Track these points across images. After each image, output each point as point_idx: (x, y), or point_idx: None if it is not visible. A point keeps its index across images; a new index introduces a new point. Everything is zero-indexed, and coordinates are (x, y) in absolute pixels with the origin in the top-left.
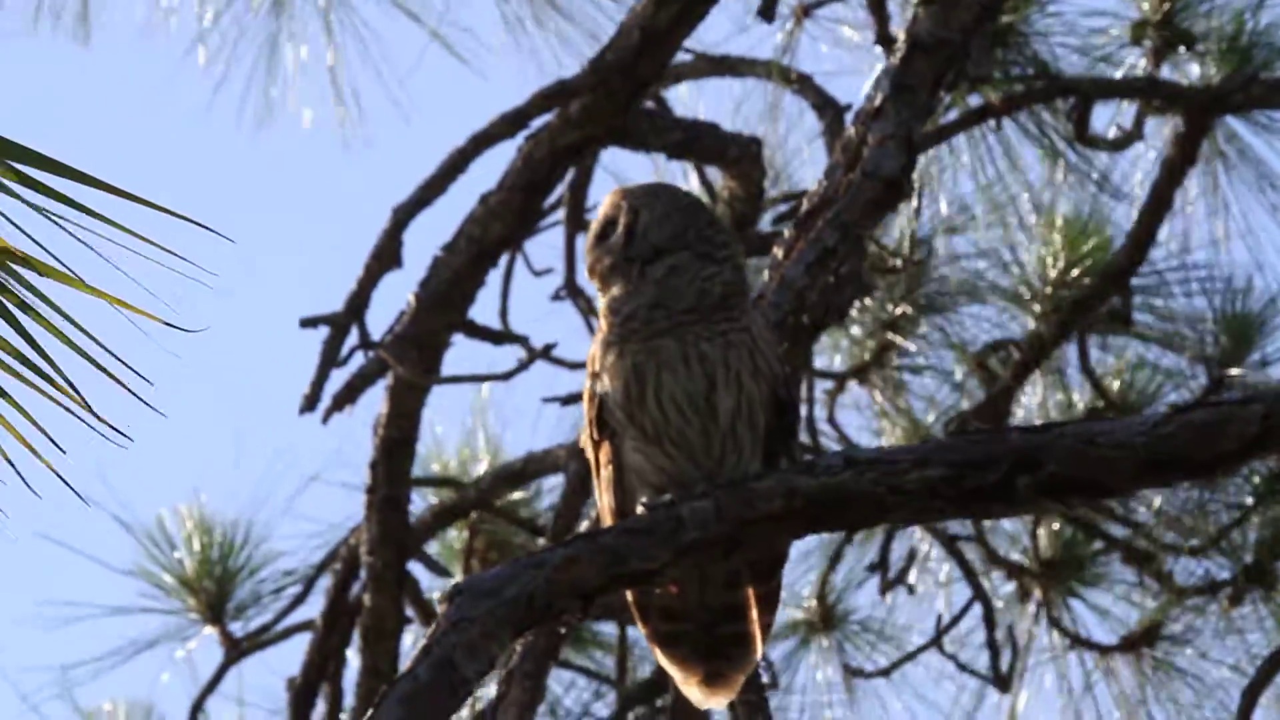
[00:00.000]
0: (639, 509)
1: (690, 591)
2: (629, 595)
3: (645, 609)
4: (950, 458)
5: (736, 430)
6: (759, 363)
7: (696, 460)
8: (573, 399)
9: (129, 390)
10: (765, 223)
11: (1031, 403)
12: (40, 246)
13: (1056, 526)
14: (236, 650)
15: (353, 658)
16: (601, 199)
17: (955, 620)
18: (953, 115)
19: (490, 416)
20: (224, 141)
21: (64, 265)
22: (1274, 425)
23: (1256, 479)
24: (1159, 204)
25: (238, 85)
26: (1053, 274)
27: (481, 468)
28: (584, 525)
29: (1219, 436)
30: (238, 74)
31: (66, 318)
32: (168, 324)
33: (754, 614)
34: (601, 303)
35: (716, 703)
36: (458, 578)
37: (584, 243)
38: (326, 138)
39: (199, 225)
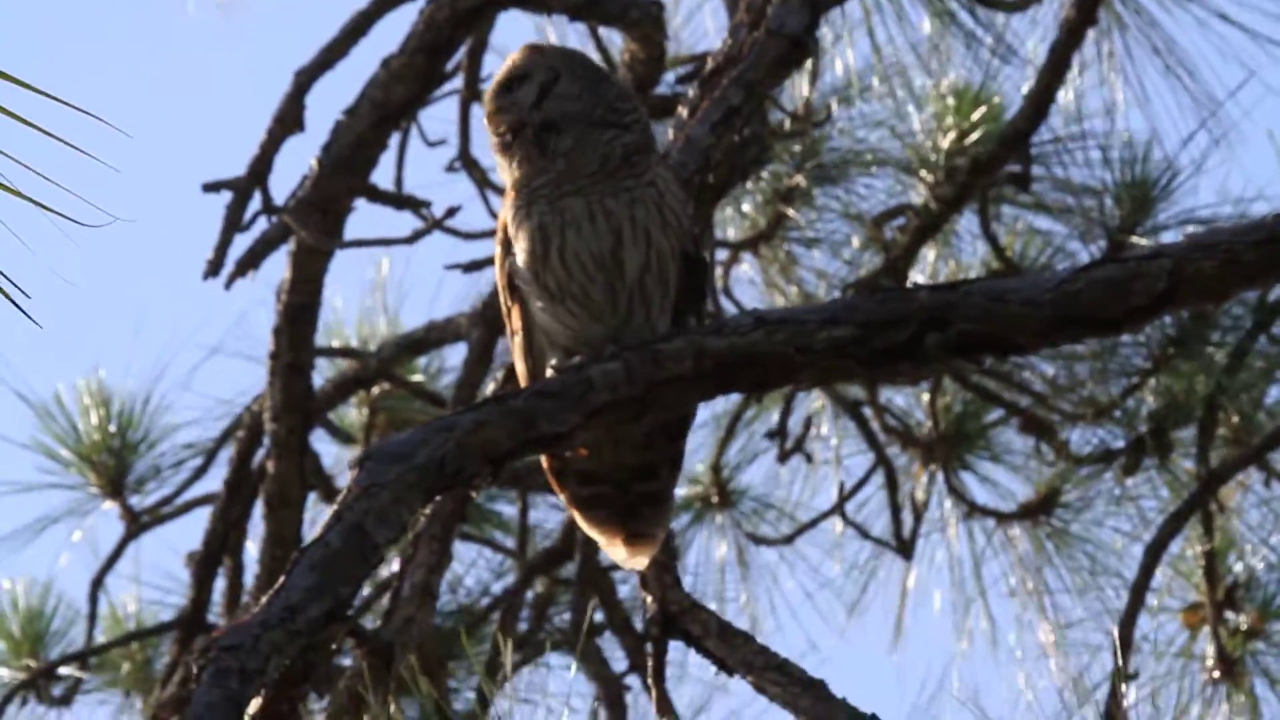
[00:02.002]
0: (548, 372)
1: (605, 453)
2: (545, 462)
3: (562, 474)
4: (859, 317)
5: (645, 286)
6: (667, 216)
7: (602, 319)
8: (475, 265)
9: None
10: (665, 85)
11: (927, 271)
12: None
13: (948, 400)
14: (136, 524)
15: (254, 530)
16: (496, 69)
17: (858, 486)
18: None
19: (389, 288)
20: (112, 6)
21: None
22: (1181, 281)
23: (1153, 346)
24: (1058, 66)
25: None
26: (945, 142)
27: (380, 337)
28: (490, 388)
29: (1127, 292)
30: None
31: None
32: (69, 218)
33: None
34: (506, 178)
35: (639, 563)
36: (360, 449)
37: (487, 94)
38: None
39: (96, 118)
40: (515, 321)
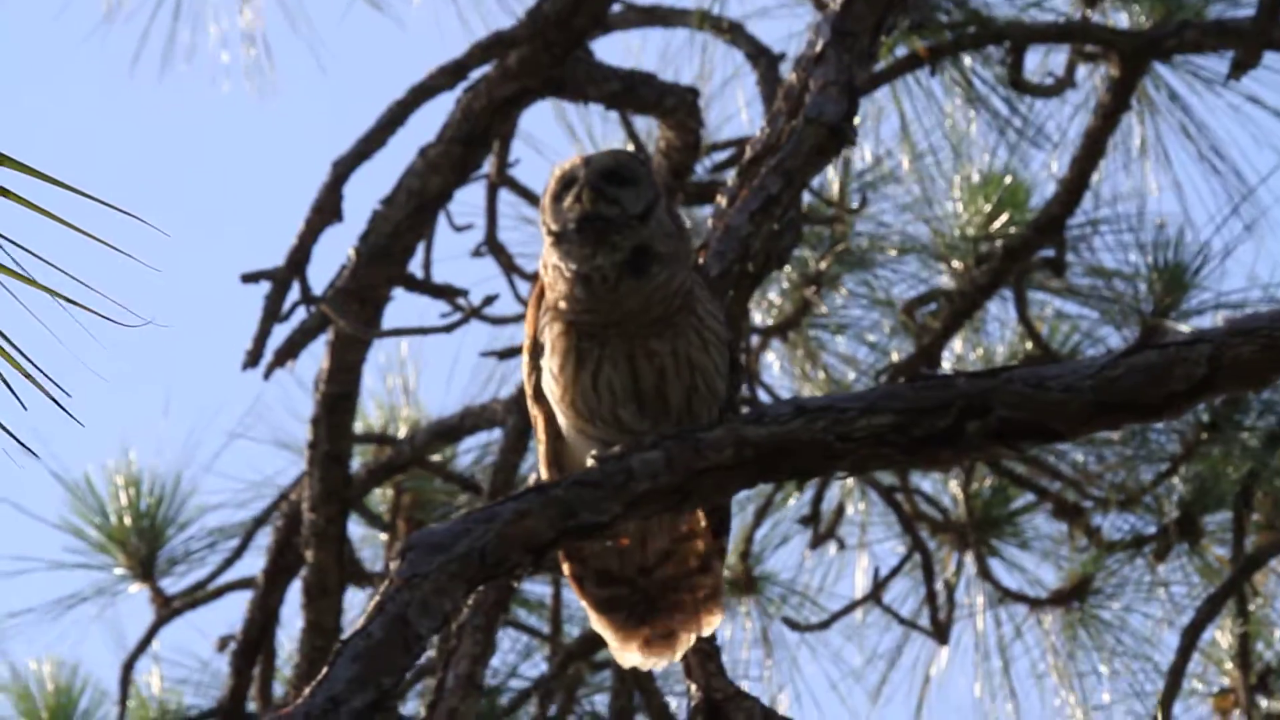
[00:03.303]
0: (589, 461)
1: (632, 550)
2: (566, 568)
3: (582, 577)
4: (899, 405)
5: (693, 406)
6: (707, 337)
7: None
8: (511, 352)
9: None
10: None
11: (954, 357)
12: None
13: (975, 486)
14: (168, 608)
15: (288, 614)
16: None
17: (894, 572)
18: (879, 66)
19: (410, 369)
20: (152, 93)
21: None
22: (1221, 366)
23: (1185, 431)
24: (1092, 151)
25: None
26: (971, 228)
27: (409, 425)
28: (532, 479)
29: (1167, 378)
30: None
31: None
32: (108, 318)
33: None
34: (553, 260)
35: (656, 664)
36: (387, 535)
37: (582, 168)
38: (240, 87)
39: (135, 218)
40: (540, 430)
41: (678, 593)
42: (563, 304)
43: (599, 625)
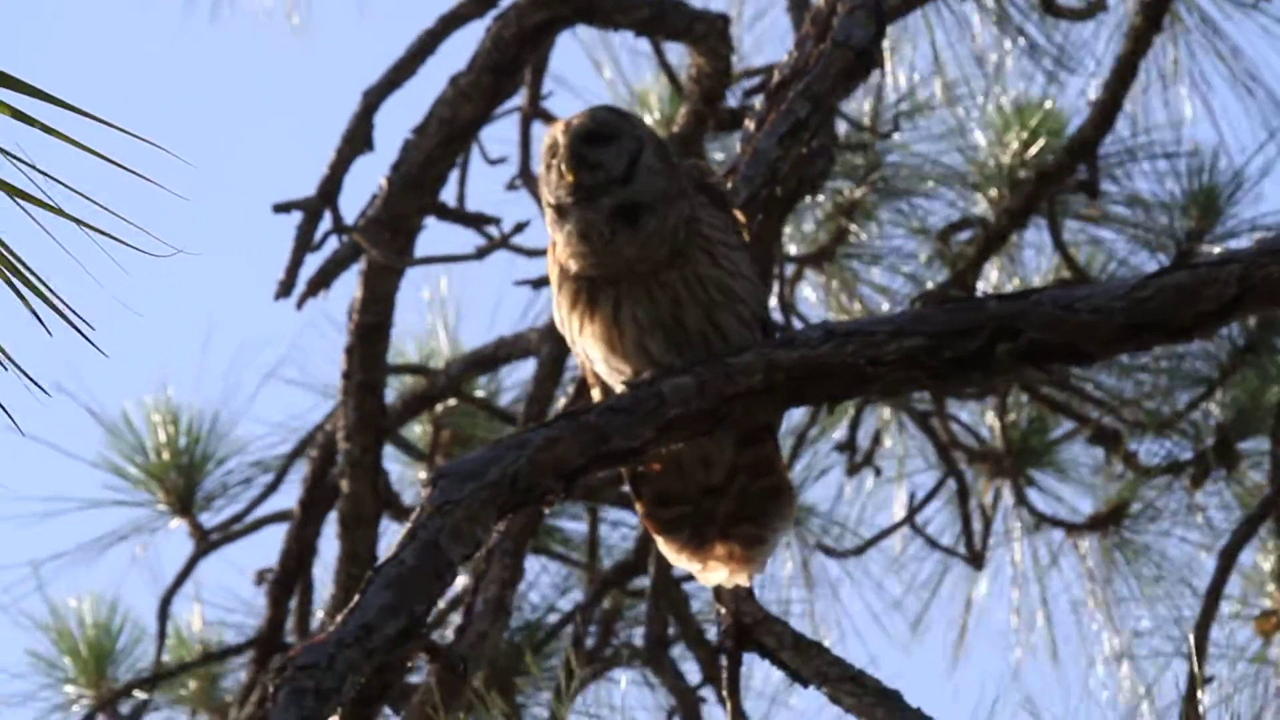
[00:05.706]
0: (619, 387)
1: (696, 469)
2: (630, 486)
3: (646, 499)
4: (929, 328)
5: (717, 321)
6: (717, 251)
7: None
8: (543, 282)
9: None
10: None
11: (990, 286)
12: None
13: (1012, 415)
14: (206, 542)
15: (325, 546)
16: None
17: (929, 496)
18: None
19: (448, 303)
20: (175, 27)
21: (33, 179)
22: (1251, 286)
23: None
24: (1124, 74)
25: None
26: (1007, 155)
27: (445, 356)
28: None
29: (1197, 298)
30: None
31: (32, 199)
32: (137, 249)
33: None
34: (559, 234)
35: (744, 578)
36: (425, 467)
37: (562, 137)
38: (278, 23)
39: (162, 149)
40: (590, 377)
41: (751, 500)
42: (572, 263)
43: (669, 551)
